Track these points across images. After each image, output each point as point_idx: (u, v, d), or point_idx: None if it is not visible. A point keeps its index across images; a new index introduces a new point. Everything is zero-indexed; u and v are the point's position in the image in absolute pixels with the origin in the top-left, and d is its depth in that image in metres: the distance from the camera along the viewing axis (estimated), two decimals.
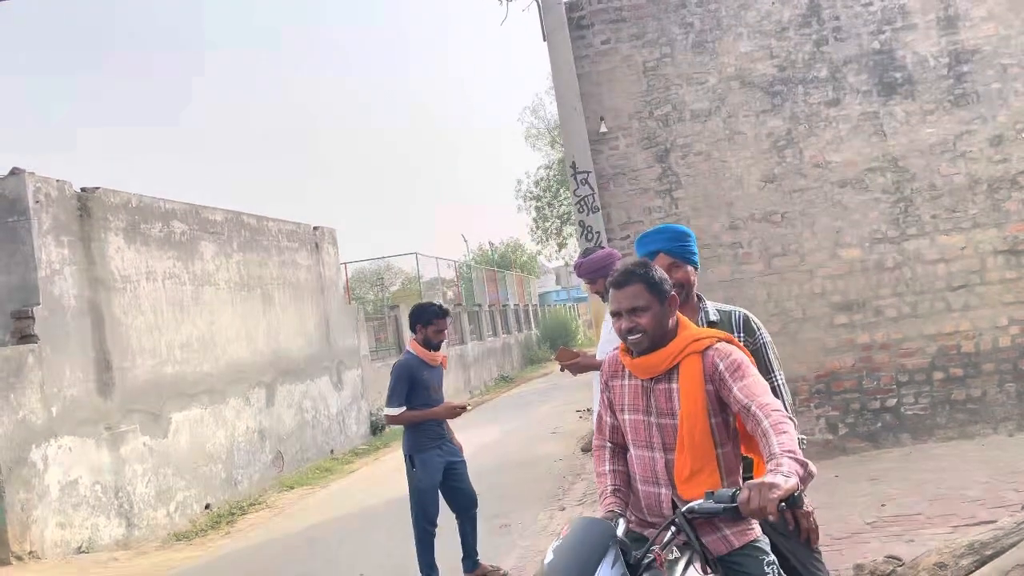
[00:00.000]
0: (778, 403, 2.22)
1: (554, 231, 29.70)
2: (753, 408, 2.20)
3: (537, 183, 29.61)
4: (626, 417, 2.50)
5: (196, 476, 9.52)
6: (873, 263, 7.31)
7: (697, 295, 2.93)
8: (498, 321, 25.48)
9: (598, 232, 7.43)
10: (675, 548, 2.26)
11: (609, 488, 2.52)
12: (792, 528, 2.69)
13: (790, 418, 2.19)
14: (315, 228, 13.82)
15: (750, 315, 2.86)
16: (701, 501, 2.12)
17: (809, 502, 2.56)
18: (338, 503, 9.24)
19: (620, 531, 2.24)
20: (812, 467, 2.03)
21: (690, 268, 2.85)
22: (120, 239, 8.91)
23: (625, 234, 7.49)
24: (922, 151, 7.31)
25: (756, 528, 2.39)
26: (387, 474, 10.66)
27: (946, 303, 7.21)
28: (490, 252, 40.47)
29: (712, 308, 2.87)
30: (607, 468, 2.56)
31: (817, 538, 2.74)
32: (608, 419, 2.60)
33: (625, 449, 2.57)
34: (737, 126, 7.53)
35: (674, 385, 2.38)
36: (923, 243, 7.27)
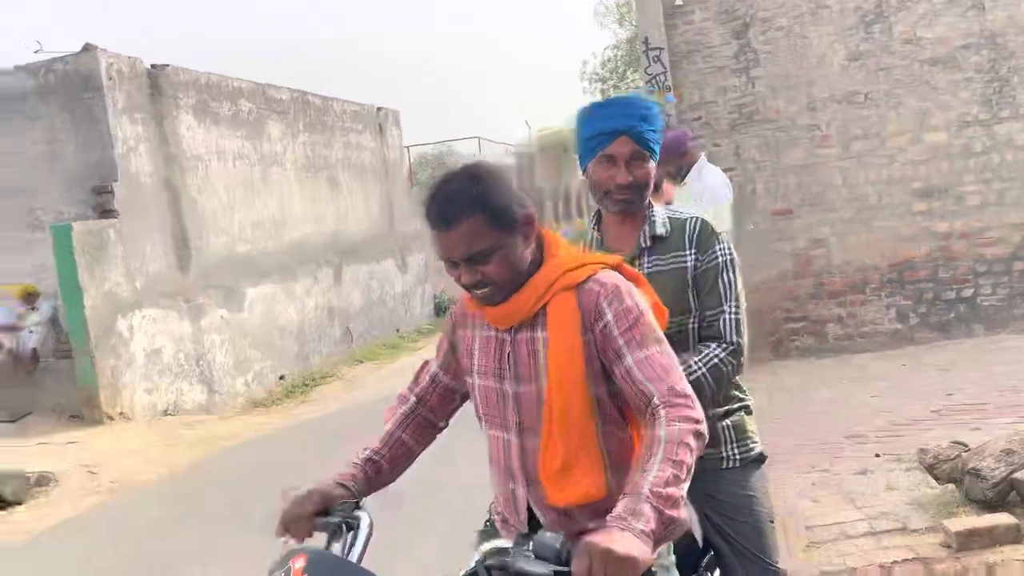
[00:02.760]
0: (694, 403, 1.48)
1: None
2: (656, 402, 1.47)
3: (603, 64, 28.66)
4: (476, 382, 1.74)
5: (270, 349, 9.97)
6: (959, 148, 6.94)
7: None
8: (560, 207, 25.36)
9: (669, 114, 7.21)
10: None
11: (364, 454, 1.77)
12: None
13: (699, 433, 1.45)
14: (379, 109, 13.74)
15: (709, 223, 2.03)
16: (513, 546, 1.38)
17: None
18: (408, 376, 9.58)
19: (365, 526, 1.56)
20: (684, 519, 1.37)
21: (652, 164, 2.03)
22: (190, 117, 9.02)
23: (697, 115, 7.25)
24: (1023, 26, 6.79)
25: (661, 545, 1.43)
26: None
27: None
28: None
29: (661, 217, 2.05)
30: (386, 429, 1.84)
31: None
32: (434, 369, 1.87)
33: (433, 419, 1.89)
34: None
35: (539, 334, 1.62)
36: (1016, 127, 6.85)
